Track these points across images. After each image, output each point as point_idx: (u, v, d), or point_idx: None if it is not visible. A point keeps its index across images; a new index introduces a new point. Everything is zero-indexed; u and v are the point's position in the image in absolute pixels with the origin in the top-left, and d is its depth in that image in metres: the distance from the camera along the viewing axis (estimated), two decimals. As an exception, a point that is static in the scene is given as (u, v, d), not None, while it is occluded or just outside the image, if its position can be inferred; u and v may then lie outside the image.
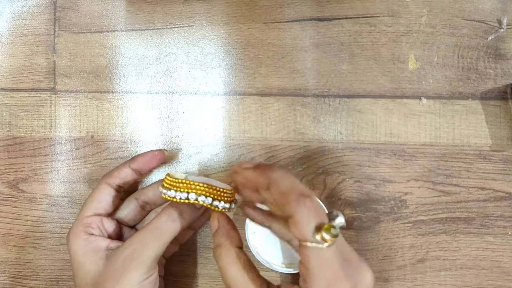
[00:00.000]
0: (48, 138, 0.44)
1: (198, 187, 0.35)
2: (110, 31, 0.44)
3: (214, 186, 0.35)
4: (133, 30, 0.44)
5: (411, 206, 0.42)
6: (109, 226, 0.39)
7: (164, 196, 0.36)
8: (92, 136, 0.44)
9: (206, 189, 0.35)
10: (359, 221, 0.42)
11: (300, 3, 0.43)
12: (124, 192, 0.41)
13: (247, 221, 0.41)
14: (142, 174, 0.42)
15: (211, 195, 0.35)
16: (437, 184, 0.42)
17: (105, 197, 0.39)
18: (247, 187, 0.33)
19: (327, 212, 0.28)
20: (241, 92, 0.43)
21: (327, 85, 0.43)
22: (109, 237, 0.39)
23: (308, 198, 0.27)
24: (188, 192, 0.34)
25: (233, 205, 0.37)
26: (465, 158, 0.42)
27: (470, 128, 0.42)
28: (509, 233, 0.42)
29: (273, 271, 0.42)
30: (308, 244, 0.26)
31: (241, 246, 0.34)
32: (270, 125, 0.43)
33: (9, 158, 0.45)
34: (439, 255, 0.42)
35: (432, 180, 0.42)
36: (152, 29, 0.44)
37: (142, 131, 0.44)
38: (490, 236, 0.42)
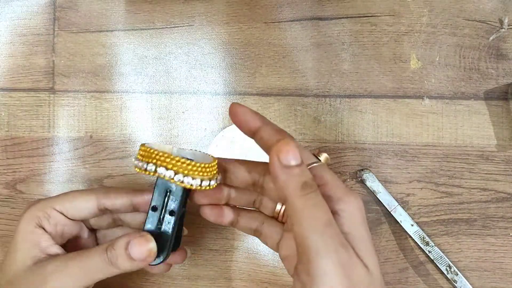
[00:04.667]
0: (46, 138, 0.44)
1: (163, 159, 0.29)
2: (109, 30, 0.44)
3: (188, 161, 0.29)
4: (132, 29, 0.44)
5: (413, 208, 0.42)
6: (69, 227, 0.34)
7: (137, 170, 0.31)
8: (91, 136, 0.44)
9: (173, 162, 0.29)
10: (360, 222, 0.42)
11: (301, 2, 0.43)
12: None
13: None
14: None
15: (181, 170, 0.29)
16: (440, 185, 0.42)
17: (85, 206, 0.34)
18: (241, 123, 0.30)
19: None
20: (241, 92, 0.43)
21: (328, 85, 0.43)
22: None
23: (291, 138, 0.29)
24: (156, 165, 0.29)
25: (209, 183, 0.30)
26: (468, 158, 0.42)
27: (473, 128, 0.42)
28: (511, 234, 0.41)
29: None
30: (314, 165, 0.29)
31: None
32: (271, 125, 0.42)
33: (7, 158, 0.44)
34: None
35: (435, 181, 0.42)
36: (151, 28, 0.44)
37: (142, 131, 0.44)
38: (492, 238, 0.42)
